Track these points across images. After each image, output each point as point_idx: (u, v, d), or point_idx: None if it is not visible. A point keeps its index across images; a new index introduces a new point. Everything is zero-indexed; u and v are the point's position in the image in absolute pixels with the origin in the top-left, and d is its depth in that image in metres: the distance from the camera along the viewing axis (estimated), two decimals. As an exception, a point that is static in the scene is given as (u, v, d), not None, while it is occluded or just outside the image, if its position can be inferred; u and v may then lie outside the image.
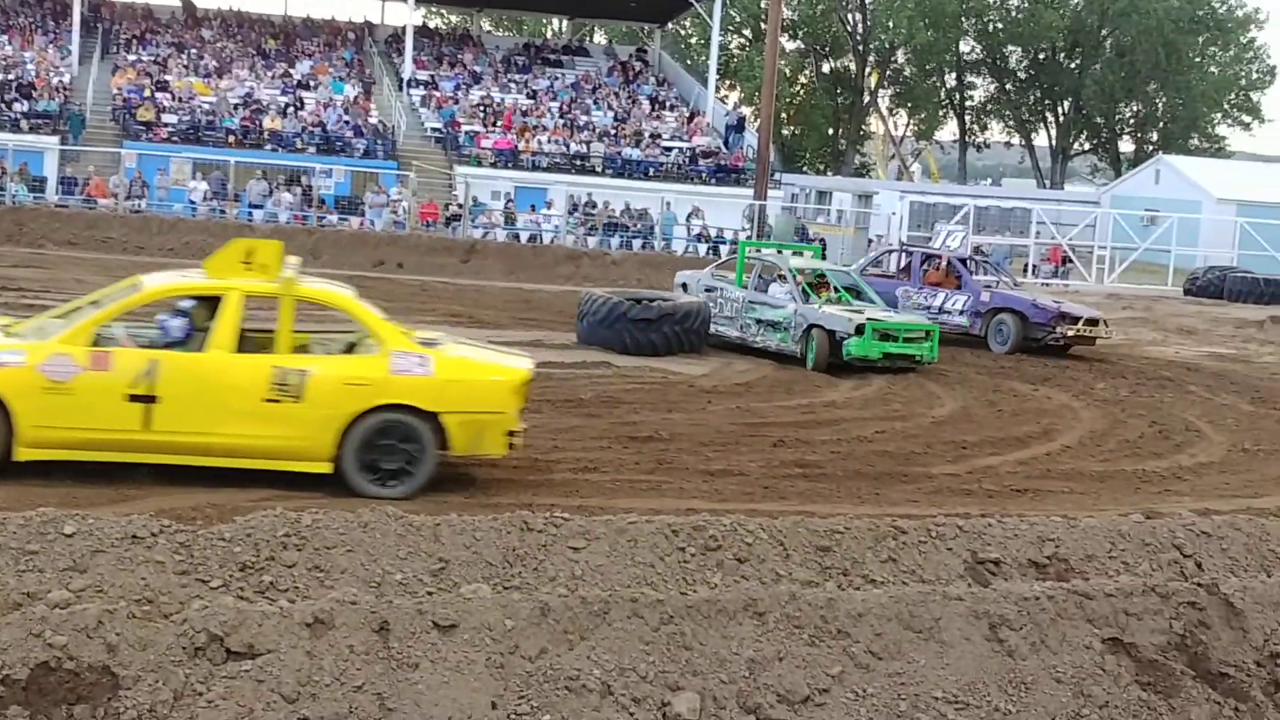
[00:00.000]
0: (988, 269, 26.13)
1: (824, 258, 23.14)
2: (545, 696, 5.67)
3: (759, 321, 19.55)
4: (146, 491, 9.60)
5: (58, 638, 5.31)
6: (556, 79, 48.47)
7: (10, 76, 40.27)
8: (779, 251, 21.47)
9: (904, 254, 24.74)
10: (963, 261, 23.45)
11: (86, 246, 28.69)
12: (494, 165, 41.50)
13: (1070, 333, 21.68)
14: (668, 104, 48.11)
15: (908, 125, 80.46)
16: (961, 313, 22.45)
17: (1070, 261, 40.92)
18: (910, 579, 7.52)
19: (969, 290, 22.64)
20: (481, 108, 44.38)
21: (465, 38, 52.69)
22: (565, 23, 63.25)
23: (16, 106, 38.96)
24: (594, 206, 38.55)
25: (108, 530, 6.23)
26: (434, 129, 43.45)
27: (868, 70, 74.79)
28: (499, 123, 43.27)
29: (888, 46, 72.73)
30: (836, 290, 19.64)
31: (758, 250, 21.53)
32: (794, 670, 6.09)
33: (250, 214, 34.84)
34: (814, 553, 7.50)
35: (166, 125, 39.66)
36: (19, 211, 31.40)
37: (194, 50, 45.50)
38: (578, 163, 42.58)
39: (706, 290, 20.62)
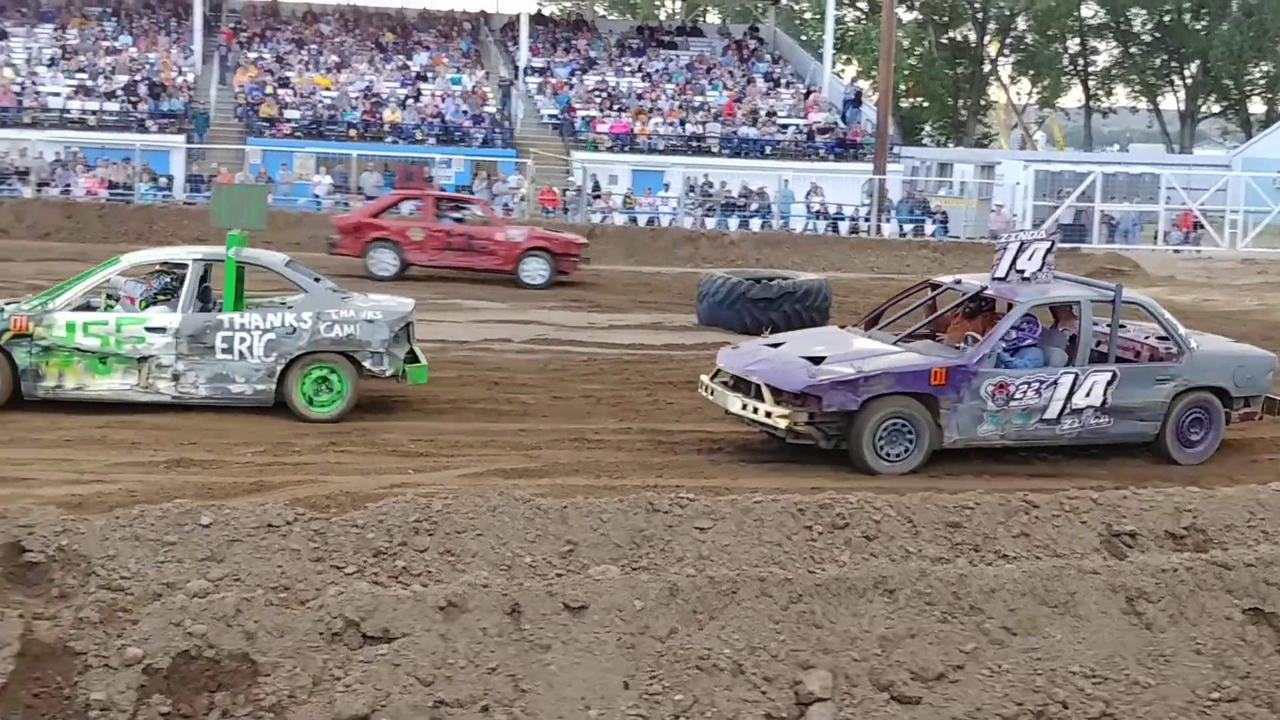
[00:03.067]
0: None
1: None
2: (677, 676, 5.69)
3: None
4: (280, 481, 9.81)
5: (197, 626, 5.44)
6: (671, 60, 48.38)
7: (137, 77, 41.25)
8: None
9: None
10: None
11: (214, 242, 29.24)
12: (610, 149, 41.57)
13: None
14: (783, 81, 47.77)
15: (1030, 93, 78.95)
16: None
17: (1201, 227, 39.88)
18: (1044, 553, 7.41)
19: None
20: (597, 92, 44.49)
21: (579, 23, 52.82)
22: (678, 3, 63.11)
23: (143, 107, 39.91)
24: (711, 187, 38.46)
25: (243, 520, 6.36)
26: (550, 115, 43.65)
27: (987, 39, 73.49)
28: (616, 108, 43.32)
29: (1008, 14, 71.34)
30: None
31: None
32: (926, 647, 6.03)
33: (372, 206, 35.28)
34: (944, 529, 7.42)
35: (289, 121, 40.34)
36: (148, 210, 32.17)
37: (314, 46, 46.19)
38: (694, 144, 42.47)
39: None
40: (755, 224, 36.13)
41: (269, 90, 41.63)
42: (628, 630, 5.81)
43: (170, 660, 5.31)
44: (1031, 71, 75.73)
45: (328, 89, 42.42)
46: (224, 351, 12.12)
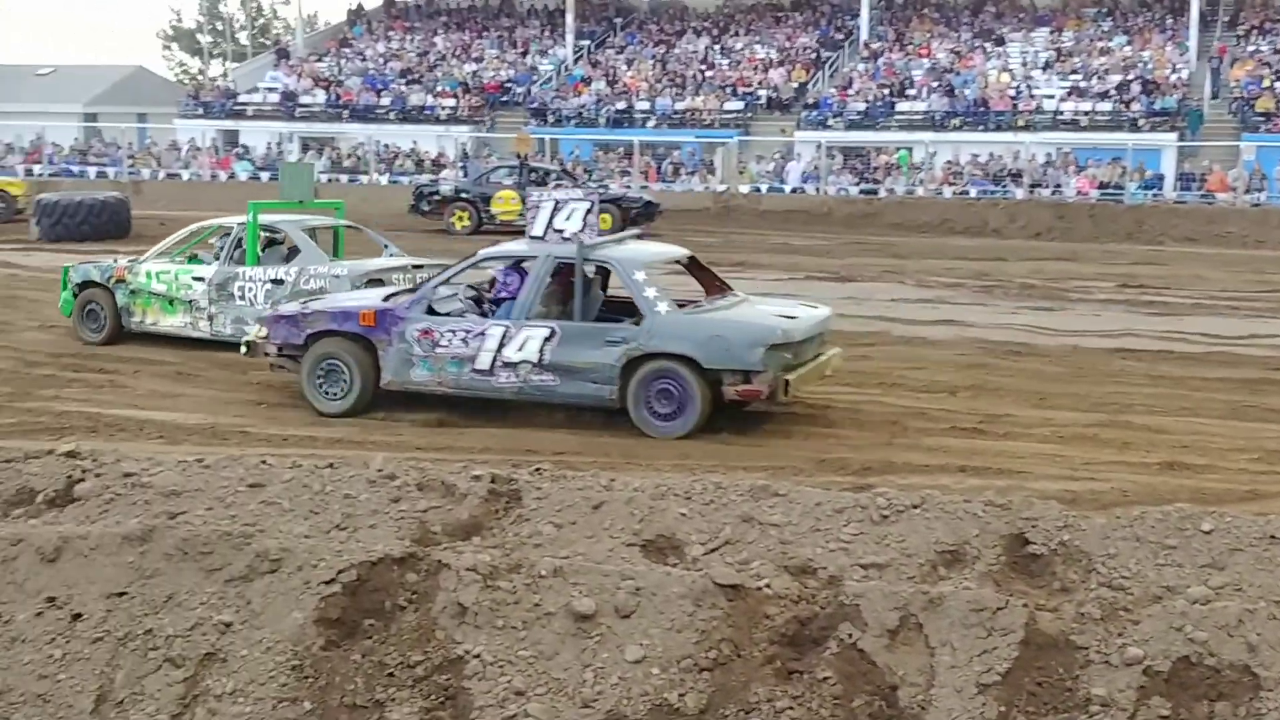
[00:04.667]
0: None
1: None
2: None
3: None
4: (1276, 491, 9.47)
5: (1198, 633, 5.42)
6: None
7: (1130, 76, 41.46)
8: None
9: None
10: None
11: (1204, 242, 28.76)
12: None
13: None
14: None
15: None
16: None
17: None
18: None
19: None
20: None
21: None
22: None
23: (1135, 106, 40.04)
24: None
25: (1245, 529, 6.22)
26: None
27: None
28: None
29: None
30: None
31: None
32: None
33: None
34: None
35: (1287, 115, 38.44)
36: (1138, 210, 32.31)
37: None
38: None
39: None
40: None
41: (1265, 84, 39.94)
42: None
43: (1170, 664, 5.35)
44: None
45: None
46: (240, 298, 14.71)
